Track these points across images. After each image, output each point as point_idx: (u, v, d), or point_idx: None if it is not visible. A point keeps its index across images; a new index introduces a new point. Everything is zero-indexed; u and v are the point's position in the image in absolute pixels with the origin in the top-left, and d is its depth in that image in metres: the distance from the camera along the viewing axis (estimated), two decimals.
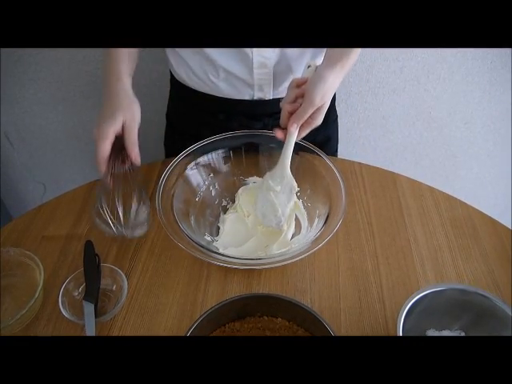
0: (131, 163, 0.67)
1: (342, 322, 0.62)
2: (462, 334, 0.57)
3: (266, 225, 0.73)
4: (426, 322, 0.58)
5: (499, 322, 0.54)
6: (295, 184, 0.71)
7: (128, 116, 0.66)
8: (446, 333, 0.58)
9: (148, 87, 1.22)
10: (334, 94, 0.97)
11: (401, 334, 0.51)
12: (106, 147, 0.64)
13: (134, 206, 0.64)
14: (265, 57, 0.75)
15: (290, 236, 0.73)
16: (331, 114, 0.96)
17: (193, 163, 0.76)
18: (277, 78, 0.79)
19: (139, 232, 0.63)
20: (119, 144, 0.66)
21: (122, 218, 0.62)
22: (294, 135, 0.67)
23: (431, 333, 0.58)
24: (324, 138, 0.94)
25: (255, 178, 0.80)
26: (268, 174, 0.73)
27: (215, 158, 0.78)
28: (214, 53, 0.76)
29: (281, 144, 0.69)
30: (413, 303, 0.54)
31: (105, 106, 0.68)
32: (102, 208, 0.62)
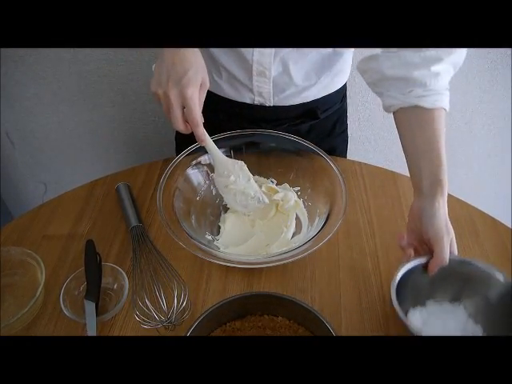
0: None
1: (343, 321, 0.62)
2: (460, 306, 0.62)
3: (254, 211, 0.73)
4: (422, 295, 0.62)
5: (484, 284, 0.60)
6: (239, 161, 0.70)
7: (204, 74, 0.61)
8: (446, 305, 0.62)
9: None
10: (346, 107, 0.96)
11: (399, 313, 0.55)
12: (197, 93, 0.59)
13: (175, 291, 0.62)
14: (264, 66, 0.74)
15: (290, 235, 0.73)
16: (338, 125, 0.93)
17: (194, 162, 0.76)
18: (277, 87, 0.78)
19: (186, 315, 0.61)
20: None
21: (165, 308, 0.61)
22: (205, 139, 0.65)
23: (431, 303, 0.62)
24: (329, 148, 0.93)
25: (256, 178, 0.80)
26: (212, 176, 0.74)
27: None
28: (218, 53, 0.76)
29: (281, 143, 0.68)
30: (403, 275, 0.59)
31: (170, 59, 0.59)
32: (143, 302, 0.61)
